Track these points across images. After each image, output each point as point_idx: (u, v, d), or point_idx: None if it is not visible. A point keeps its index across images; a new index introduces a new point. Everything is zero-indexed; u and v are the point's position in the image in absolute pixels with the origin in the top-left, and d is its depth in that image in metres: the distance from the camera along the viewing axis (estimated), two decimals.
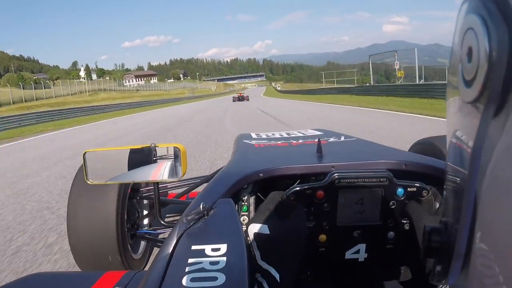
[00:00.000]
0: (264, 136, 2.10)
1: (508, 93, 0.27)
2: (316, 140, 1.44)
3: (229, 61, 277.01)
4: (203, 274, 0.58)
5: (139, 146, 1.17)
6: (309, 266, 1.01)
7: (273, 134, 2.20)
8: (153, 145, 1.15)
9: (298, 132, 2.23)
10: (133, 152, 1.17)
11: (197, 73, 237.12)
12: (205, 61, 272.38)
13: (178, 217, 1.00)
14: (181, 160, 1.12)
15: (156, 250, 2.25)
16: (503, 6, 0.28)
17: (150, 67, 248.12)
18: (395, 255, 0.98)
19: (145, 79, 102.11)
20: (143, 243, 2.12)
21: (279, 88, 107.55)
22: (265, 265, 0.83)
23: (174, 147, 1.14)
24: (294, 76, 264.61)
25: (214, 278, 0.56)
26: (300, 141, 1.82)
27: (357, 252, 0.98)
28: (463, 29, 0.33)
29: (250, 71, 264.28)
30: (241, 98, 36.96)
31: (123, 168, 1.17)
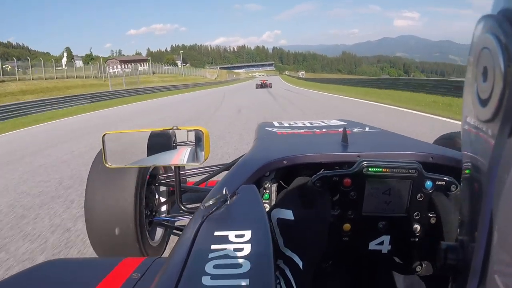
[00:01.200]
0: (286, 125, 2.07)
1: None
2: (340, 129, 1.43)
3: (235, 48, 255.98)
4: (227, 261, 0.56)
5: (160, 129, 1.14)
6: (331, 255, 0.99)
7: (295, 123, 2.17)
8: (175, 127, 1.12)
9: (321, 121, 2.20)
10: (153, 135, 1.14)
11: (197, 61, 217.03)
12: (209, 48, 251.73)
13: (197, 205, 0.98)
14: (203, 144, 1.08)
15: (173, 238, 2.25)
16: None
17: (149, 53, 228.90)
18: (419, 249, 0.96)
19: (132, 64, 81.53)
20: (160, 230, 2.11)
21: (302, 76, 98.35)
22: (288, 252, 0.81)
23: (197, 130, 1.10)
24: (306, 66, 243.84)
25: (239, 265, 0.55)
26: (324, 130, 1.81)
27: (381, 243, 0.96)
28: (478, 48, 0.33)
29: (258, 59, 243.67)
30: (263, 85, 37.19)
31: (143, 152, 1.13)
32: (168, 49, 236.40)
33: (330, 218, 0.92)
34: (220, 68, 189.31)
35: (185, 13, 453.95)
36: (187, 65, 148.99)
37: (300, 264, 0.79)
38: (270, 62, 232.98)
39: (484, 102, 0.31)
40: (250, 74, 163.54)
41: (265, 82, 38.83)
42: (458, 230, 0.42)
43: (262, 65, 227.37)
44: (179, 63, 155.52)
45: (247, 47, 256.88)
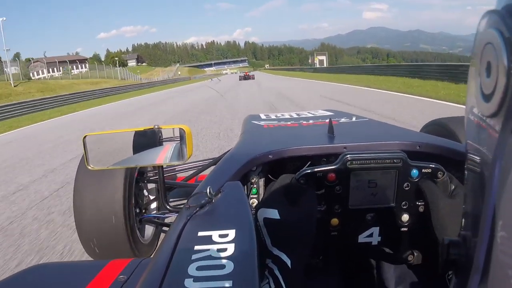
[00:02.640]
0: (273, 117, 2.09)
1: None
2: (327, 120, 1.42)
3: (204, 45, 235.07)
4: (210, 262, 0.55)
5: (141, 129, 1.13)
6: (321, 250, 0.99)
7: (282, 115, 2.18)
8: (156, 126, 1.11)
9: (308, 112, 2.21)
10: (136, 134, 1.14)
11: (161, 60, 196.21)
12: (175, 45, 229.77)
13: (185, 201, 0.94)
14: (186, 141, 1.08)
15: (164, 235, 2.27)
16: None
17: (109, 53, 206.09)
18: (409, 238, 0.96)
19: (61, 68, 59.82)
20: (152, 227, 2.12)
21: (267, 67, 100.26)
22: (275, 251, 0.82)
23: (179, 128, 1.10)
24: (283, 61, 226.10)
25: (222, 266, 0.54)
26: (311, 121, 1.80)
27: (371, 235, 0.97)
28: (482, 43, 0.33)
29: (229, 56, 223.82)
30: (246, 77, 42.64)
31: (126, 152, 1.14)
32: (130, 49, 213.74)
33: (317, 214, 0.91)
34: (185, 66, 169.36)
35: (156, 14, 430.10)
36: (143, 64, 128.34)
37: (288, 262, 0.79)
38: (242, 58, 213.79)
39: (487, 97, 0.31)
40: (222, 72, 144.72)
41: (247, 74, 45.93)
42: (461, 225, 0.41)
43: (234, 62, 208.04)
44: (132, 63, 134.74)
45: (217, 43, 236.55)
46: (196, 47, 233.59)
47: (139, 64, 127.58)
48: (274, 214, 0.84)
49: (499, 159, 0.30)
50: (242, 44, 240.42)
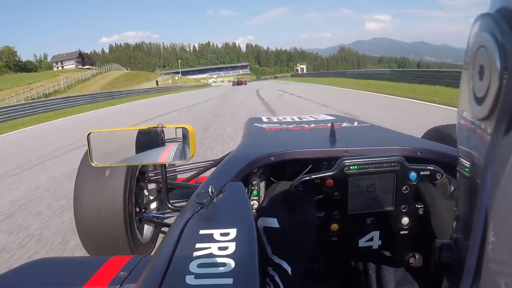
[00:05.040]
0: (275, 120, 2.11)
1: None
2: (329, 124, 1.42)
3: (196, 46, 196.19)
4: (211, 259, 0.56)
5: (145, 127, 1.14)
6: (322, 256, 1.00)
7: (284, 118, 2.20)
8: (160, 125, 1.12)
9: (310, 116, 2.23)
10: (140, 133, 1.15)
11: (143, 64, 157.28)
12: (162, 46, 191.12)
13: (185, 202, 0.98)
14: (189, 141, 1.09)
15: (163, 235, 2.27)
16: None
17: (84, 54, 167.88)
18: (410, 241, 0.97)
19: None
20: (151, 227, 2.14)
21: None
22: (276, 259, 0.82)
23: (182, 128, 1.10)
24: (292, 68, 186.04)
25: (223, 264, 0.55)
26: (312, 125, 1.83)
27: (371, 239, 0.97)
28: (475, 46, 0.33)
29: (227, 60, 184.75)
30: (239, 83, 49.21)
31: (130, 150, 1.14)
32: (106, 50, 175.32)
33: (316, 221, 0.91)
34: (171, 72, 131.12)
35: (158, 20, 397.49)
36: (92, 67, 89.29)
37: (289, 270, 0.80)
38: (243, 64, 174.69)
39: (480, 101, 0.32)
40: (203, 81, 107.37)
41: (240, 80, 55.73)
42: (453, 228, 0.42)
43: (233, 68, 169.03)
44: (70, 65, 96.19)
45: (213, 45, 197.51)
46: (187, 49, 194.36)
47: (81, 67, 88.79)
48: (273, 222, 0.85)
49: (491, 162, 0.30)
50: (243, 48, 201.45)
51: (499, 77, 0.29)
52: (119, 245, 1.73)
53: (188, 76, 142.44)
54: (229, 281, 0.51)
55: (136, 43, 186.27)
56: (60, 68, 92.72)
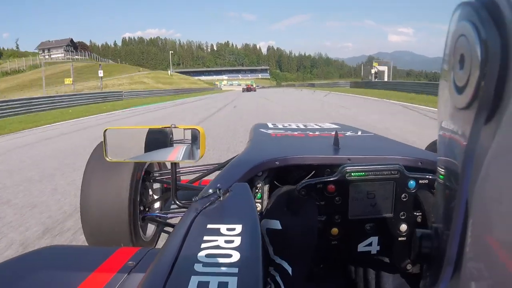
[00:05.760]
0: (280, 126, 2.16)
1: (499, 100, 0.28)
2: (333, 133, 1.46)
3: (214, 46, 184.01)
4: (218, 251, 0.60)
5: (158, 126, 1.19)
6: (322, 259, 1.02)
7: (289, 125, 2.26)
8: (172, 125, 1.15)
9: (315, 124, 2.28)
10: (152, 132, 1.20)
11: (156, 61, 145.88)
12: (178, 43, 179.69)
13: (190, 202, 1.01)
14: (199, 142, 1.13)
15: (164, 235, 2.36)
16: (495, 13, 0.28)
17: (79, 43, 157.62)
18: (408, 247, 0.98)
19: None
20: (153, 226, 2.21)
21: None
22: (278, 260, 0.86)
23: (193, 129, 1.15)
24: (317, 75, 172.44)
25: (229, 255, 0.58)
26: (317, 133, 1.87)
27: (370, 244, 1.00)
28: (455, 35, 0.33)
29: (246, 62, 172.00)
30: (249, 89, 48.54)
31: (141, 148, 1.19)
32: (118, 43, 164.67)
33: (317, 224, 0.95)
34: (184, 70, 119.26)
35: (180, 19, 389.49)
36: (85, 58, 77.06)
37: (290, 270, 0.84)
38: (263, 67, 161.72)
39: (460, 90, 0.32)
40: (224, 83, 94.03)
41: (250, 87, 52.60)
42: (433, 217, 0.42)
43: (252, 71, 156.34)
44: (57, 54, 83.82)
45: (232, 45, 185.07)
46: (204, 48, 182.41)
47: (70, 57, 76.23)
48: (276, 224, 0.89)
49: (472, 152, 0.30)
50: (264, 50, 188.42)
51: (480, 65, 0.28)
52: (122, 240, 1.77)
53: (202, 77, 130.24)
54: (235, 270, 0.54)
55: (151, 38, 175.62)
56: (47, 56, 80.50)
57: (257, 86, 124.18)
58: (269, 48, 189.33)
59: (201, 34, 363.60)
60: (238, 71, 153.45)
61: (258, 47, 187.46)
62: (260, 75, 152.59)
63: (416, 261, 0.43)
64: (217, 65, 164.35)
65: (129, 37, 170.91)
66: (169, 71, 76.42)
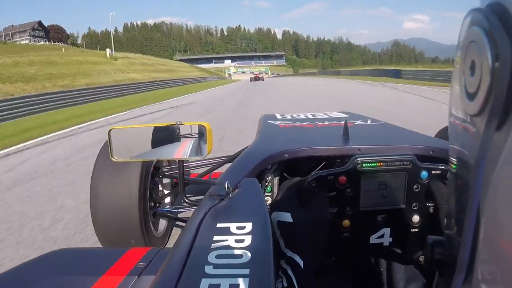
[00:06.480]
0: (289, 117, 2.13)
1: (510, 106, 0.27)
2: (342, 122, 1.44)
3: (225, 30, 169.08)
4: (228, 251, 0.59)
5: (164, 124, 1.20)
6: (333, 251, 1.02)
7: (298, 115, 2.21)
8: (178, 123, 1.16)
9: (324, 114, 2.24)
10: (157, 130, 1.21)
11: (160, 47, 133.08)
12: (185, 28, 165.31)
13: (200, 197, 1.07)
14: (206, 138, 1.13)
15: (176, 229, 2.36)
16: (506, 20, 0.28)
17: (91, 34, 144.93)
18: (420, 239, 0.98)
19: None
20: (164, 222, 2.20)
21: None
22: (289, 253, 0.85)
23: (199, 125, 1.15)
24: (337, 61, 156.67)
25: (240, 256, 0.58)
26: (326, 123, 1.84)
27: (382, 236, 0.99)
28: (466, 42, 0.33)
29: (260, 48, 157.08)
30: (257, 79, 45.29)
31: (147, 146, 1.20)
32: (119, 29, 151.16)
33: (328, 217, 0.94)
34: (190, 57, 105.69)
35: (193, 7, 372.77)
36: (57, 44, 63.17)
37: (301, 263, 0.84)
38: (278, 53, 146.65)
39: (471, 96, 0.32)
40: (231, 72, 79.55)
41: (258, 76, 49.13)
42: (445, 224, 0.42)
43: (266, 57, 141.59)
44: (23, 39, 69.99)
45: (244, 29, 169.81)
46: (213, 33, 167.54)
47: (38, 41, 61.99)
48: (287, 217, 0.89)
49: (483, 158, 0.30)
50: (279, 35, 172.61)
51: (491, 72, 0.28)
52: (133, 237, 1.78)
53: (210, 65, 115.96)
54: (246, 271, 0.53)
55: (155, 23, 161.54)
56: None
57: (273, 74, 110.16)
58: (285, 33, 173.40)
59: (213, 22, 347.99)
60: (251, 58, 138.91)
61: (272, 31, 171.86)
62: (275, 62, 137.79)
63: (428, 268, 0.46)
64: (227, 51, 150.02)
65: (131, 23, 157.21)
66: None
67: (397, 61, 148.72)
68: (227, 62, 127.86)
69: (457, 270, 0.35)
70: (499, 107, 0.28)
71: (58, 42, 60.60)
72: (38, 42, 59.05)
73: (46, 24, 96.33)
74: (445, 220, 0.42)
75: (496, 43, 0.28)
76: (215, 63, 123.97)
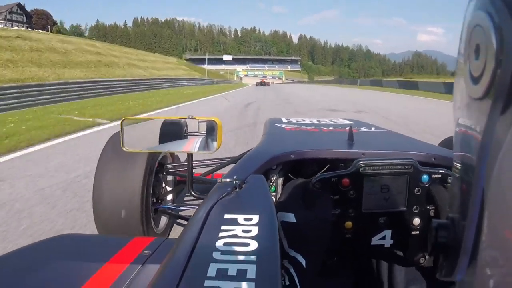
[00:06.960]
0: (294, 121, 2.17)
1: None
2: (347, 128, 1.47)
3: (239, 31, 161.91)
4: (236, 240, 0.61)
5: (175, 117, 1.21)
6: (335, 252, 1.04)
7: (303, 119, 2.26)
8: (190, 117, 1.16)
9: (329, 120, 2.29)
10: (169, 122, 1.22)
11: (169, 45, 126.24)
12: (197, 26, 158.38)
13: (204, 195, 1.07)
14: (216, 133, 1.14)
15: (176, 227, 2.38)
16: (510, 3, 0.28)
17: (98, 27, 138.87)
18: (421, 241, 1.00)
19: None
20: (165, 219, 2.21)
21: None
22: (292, 252, 0.87)
23: (210, 120, 1.16)
24: (355, 69, 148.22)
25: (247, 244, 0.59)
26: (331, 128, 1.88)
27: (383, 238, 1.01)
28: (471, 26, 0.33)
29: (274, 51, 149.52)
30: (263, 84, 45.43)
31: (157, 138, 1.21)
32: (129, 23, 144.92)
33: (331, 218, 0.96)
34: (198, 57, 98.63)
35: (208, 8, 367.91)
36: (44, 32, 55.62)
37: (304, 262, 0.85)
38: (294, 58, 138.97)
39: (476, 80, 0.32)
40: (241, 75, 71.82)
41: (264, 81, 51.18)
42: (449, 207, 0.43)
43: (280, 61, 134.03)
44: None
45: (259, 31, 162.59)
46: (227, 33, 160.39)
47: (15, 26, 53.64)
48: (291, 217, 0.91)
49: (488, 143, 0.30)
50: (295, 39, 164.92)
51: (495, 55, 0.29)
52: (134, 232, 1.76)
53: (221, 66, 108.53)
54: (253, 258, 0.56)
55: (166, 19, 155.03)
56: None
57: (287, 80, 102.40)
58: (301, 37, 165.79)
59: (227, 24, 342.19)
60: (264, 61, 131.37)
61: (288, 35, 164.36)
62: (289, 67, 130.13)
63: (432, 252, 0.47)
64: (240, 53, 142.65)
65: (141, 18, 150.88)
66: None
67: (418, 72, 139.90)
68: (239, 64, 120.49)
69: (462, 253, 0.35)
70: (504, 90, 0.28)
71: (40, 30, 52.09)
72: (14, 27, 49.93)
73: (29, 8, 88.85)
74: (450, 203, 0.43)
75: (501, 26, 0.28)
76: (227, 64, 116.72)
